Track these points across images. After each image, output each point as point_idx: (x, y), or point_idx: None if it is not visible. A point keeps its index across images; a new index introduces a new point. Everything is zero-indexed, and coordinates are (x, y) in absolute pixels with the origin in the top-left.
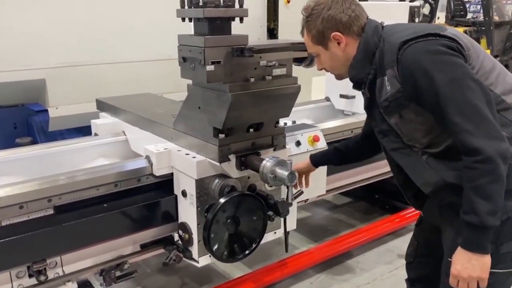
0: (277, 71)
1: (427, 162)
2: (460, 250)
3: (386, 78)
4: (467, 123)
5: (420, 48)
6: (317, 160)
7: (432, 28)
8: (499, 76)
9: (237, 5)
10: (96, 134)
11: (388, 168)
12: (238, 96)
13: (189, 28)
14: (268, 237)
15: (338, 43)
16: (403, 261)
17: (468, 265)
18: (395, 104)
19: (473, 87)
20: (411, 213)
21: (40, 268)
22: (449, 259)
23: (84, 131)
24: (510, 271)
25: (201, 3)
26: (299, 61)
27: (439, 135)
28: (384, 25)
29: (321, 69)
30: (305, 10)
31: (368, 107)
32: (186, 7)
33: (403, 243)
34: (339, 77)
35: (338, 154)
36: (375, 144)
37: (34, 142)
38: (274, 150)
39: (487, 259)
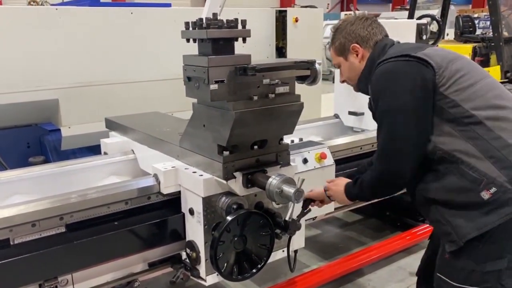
0: (280, 89)
1: None
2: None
3: None
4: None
5: (382, 69)
6: None
7: (411, 48)
8: (477, 92)
9: (240, 26)
10: (105, 153)
11: None
12: (241, 114)
13: (195, 48)
14: (277, 255)
15: (356, 54)
16: (415, 279)
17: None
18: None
19: (404, 121)
20: (423, 230)
21: (52, 286)
22: (437, 274)
23: (96, 150)
24: None
25: (204, 25)
26: (302, 79)
27: None
28: (395, 43)
29: (343, 81)
30: (333, 27)
31: (374, 116)
32: (191, 28)
33: (414, 260)
34: (356, 88)
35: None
36: None
37: (47, 161)
38: (280, 167)
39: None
